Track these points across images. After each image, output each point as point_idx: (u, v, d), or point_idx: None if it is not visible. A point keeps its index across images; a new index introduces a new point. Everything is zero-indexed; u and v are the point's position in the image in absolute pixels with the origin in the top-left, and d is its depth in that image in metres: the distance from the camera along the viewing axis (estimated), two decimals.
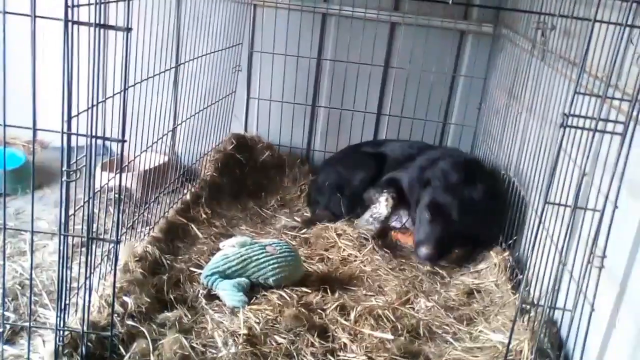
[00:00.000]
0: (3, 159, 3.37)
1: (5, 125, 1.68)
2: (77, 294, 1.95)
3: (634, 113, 1.62)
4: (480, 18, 3.82)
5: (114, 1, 1.74)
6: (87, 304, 1.85)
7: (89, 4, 1.60)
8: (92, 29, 1.58)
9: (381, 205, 3.26)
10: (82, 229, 1.93)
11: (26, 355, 1.89)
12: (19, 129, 1.72)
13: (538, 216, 1.93)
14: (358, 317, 2.33)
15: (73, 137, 1.67)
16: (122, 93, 1.72)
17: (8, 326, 2.15)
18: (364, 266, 2.83)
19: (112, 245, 2.07)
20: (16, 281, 2.46)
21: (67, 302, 1.86)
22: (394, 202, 3.25)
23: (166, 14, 2.72)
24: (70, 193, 1.72)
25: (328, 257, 2.90)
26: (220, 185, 3.47)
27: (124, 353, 1.93)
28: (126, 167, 2.85)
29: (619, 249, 1.76)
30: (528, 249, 2.41)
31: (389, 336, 2.22)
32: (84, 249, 1.83)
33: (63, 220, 1.73)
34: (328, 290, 2.53)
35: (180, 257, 2.68)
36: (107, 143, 1.76)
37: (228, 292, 2.38)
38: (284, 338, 2.14)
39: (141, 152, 2.65)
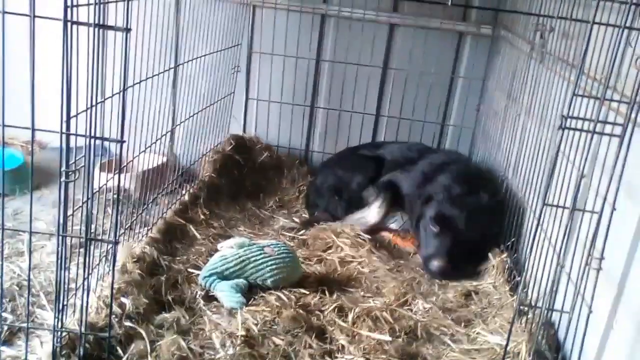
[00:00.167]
0: (1, 159, 3.35)
1: (3, 126, 1.67)
2: (75, 294, 1.94)
3: (632, 115, 1.63)
4: (479, 20, 3.83)
5: (114, 1, 1.74)
6: (85, 305, 1.84)
7: (88, 4, 1.59)
8: (91, 29, 1.58)
9: (372, 211, 3.25)
10: (80, 229, 1.93)
11: (24, 357, 1.89)
12: (17, 129, 1.72)
13: (536, 218, 1.93)
14: (356, 319, 2.32)
15: (72, 138, 1.67)
16: (121, 93, 1.72)
17: (5, 327, 2.14)
18: (362, 267, 2.82)
19: (110, 246, 2.07)
20: (14, 282, 2.45)
21: (65, 303, 1.85)
22: (385, 211, 3.24)
23: (165, 15, 2.72)
24: (69, 193, 1.72)
25: (326, 259, 2.90)
26: (219, 186, 3.47)
27: (122, 354, 1.93)
28: (125, 168, 2.85)
29: (617, 250, 1.76)
30: (526, 251, 2.41)
31: (387, 338, 2.22)
32: (82, 250, 1.82)
33: (61, 220, 1.73)
34: (326, 292, 2.53)
35: (178, 258, 2.67)
36: (106, 143, 1.75)
37: (226, 293, 2.38)
38: (282, 339, 2.13)
39: (140, 153, 2.65)
